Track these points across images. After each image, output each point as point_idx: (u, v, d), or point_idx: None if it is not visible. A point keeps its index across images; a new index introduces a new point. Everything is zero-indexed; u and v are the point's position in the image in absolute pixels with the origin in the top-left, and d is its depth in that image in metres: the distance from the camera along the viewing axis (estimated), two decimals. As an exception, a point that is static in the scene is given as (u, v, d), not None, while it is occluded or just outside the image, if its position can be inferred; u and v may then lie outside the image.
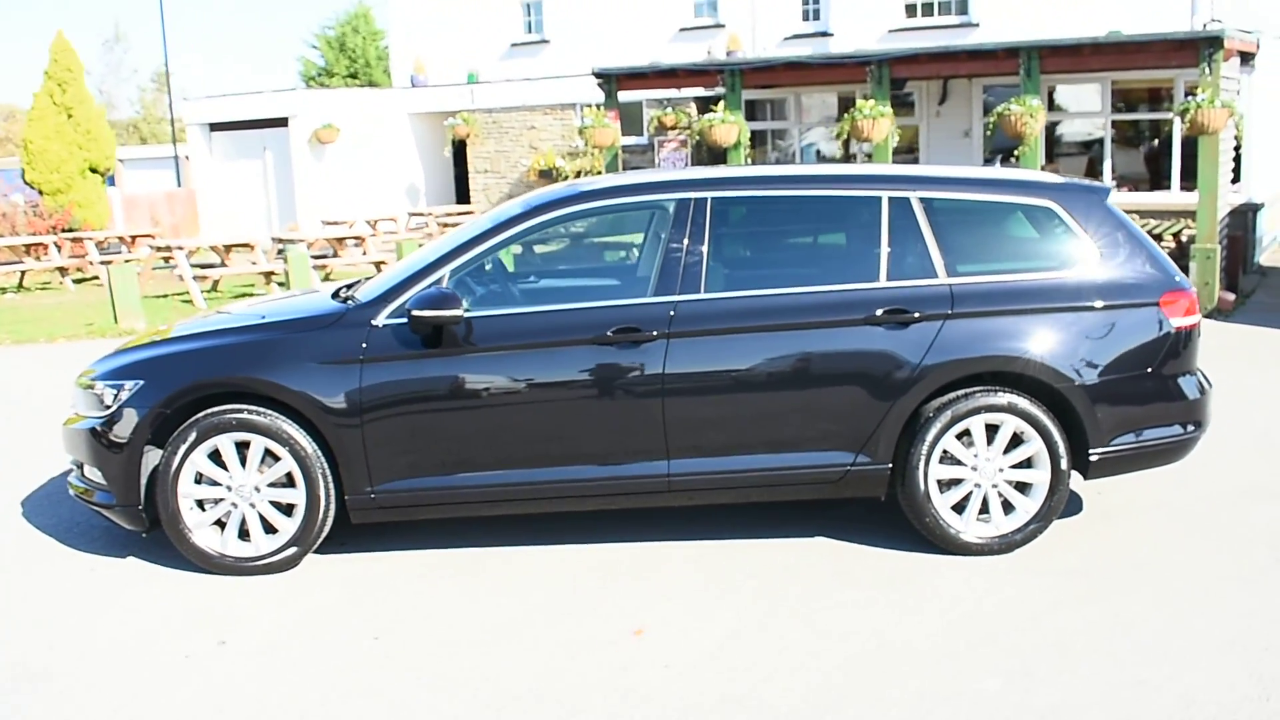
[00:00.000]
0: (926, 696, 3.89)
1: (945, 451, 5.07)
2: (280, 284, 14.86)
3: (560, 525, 5.52)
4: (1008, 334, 5.03)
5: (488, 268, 5.27)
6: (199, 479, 5.05)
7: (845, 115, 13.76)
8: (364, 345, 4.97)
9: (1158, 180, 15.72)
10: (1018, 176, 5.45)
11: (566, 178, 21.03)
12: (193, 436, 4.97)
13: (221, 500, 5.07)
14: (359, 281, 5.97)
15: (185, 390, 4.99)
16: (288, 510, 5.09)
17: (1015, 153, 13.24)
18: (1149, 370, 5.11)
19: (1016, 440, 5.09)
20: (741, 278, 5.07)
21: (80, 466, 5.35)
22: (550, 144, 21.39)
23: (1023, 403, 5.03)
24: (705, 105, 20.13)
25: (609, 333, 4.95)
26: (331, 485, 5.03)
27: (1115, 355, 5.07)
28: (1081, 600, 4.65)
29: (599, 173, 19.90)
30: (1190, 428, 5.23)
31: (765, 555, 5.21)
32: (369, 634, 4.49)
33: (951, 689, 3.94)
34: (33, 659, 4.35)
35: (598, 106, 15.93)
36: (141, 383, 5.04)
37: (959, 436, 5.07)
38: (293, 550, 5.08)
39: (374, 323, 5.02)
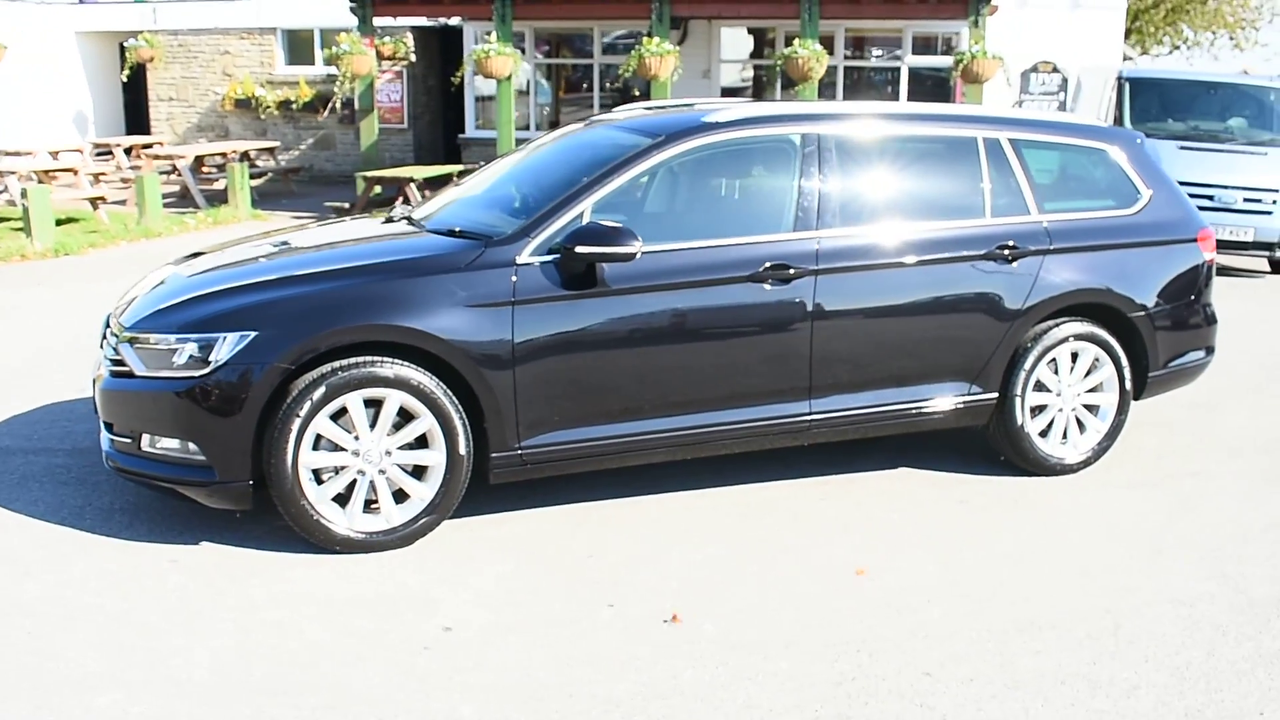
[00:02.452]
0: (1088, 573, 4.22)
1: (1038, 380, 5.39)
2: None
3: (646, 474, 5.30)
4: (1094, 268, 5.42)
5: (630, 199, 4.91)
6: (316, 444, 4.39)
7: (632, 52, 13.80)
8: (514, 286, 4.51)
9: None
10: (1078, 121, 5.83)
11: (267, 108, 19.52)
12: (319, 395, 4.30)
13: (345, 468, 4.43)
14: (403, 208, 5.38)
15: (316, 342, 4.29)
16: (417, 475, 4.54)
17: (794, 92, 13.89)
18: (1191, 300, 5.70)
19: (1092, 366, 5.52)
20: (867, 213, 5.07)
21: (138, 437, 4.45)
22: (248, 71, 19.69)
23: (1102, 332, 5.45)
24: (426, 36, 19.39)
25: (762, 269, 4.81)
26: (472, 444, 4.54)
27: (1170, 286, 5.61)
28: (1162, 505, 5.18)
29: (349, 104, 18.65)
30: (1209, 352, 5.88)
31: (878, 486, 5.33)
32: (597, 600, 4.14)
33: (1092, 566, 4.30)
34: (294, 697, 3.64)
35: (350, 32, 14.87)
36: (254, 334, 4.27)
37: (1048, 364, 5.41)
38: (427, 519, 4.54)
39: (518, 260, 4.55)
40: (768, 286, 4.83)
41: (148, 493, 5.03)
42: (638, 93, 17.25)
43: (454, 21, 18.28)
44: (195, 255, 5.50)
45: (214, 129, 19.94)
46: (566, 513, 4.95)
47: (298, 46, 19.81)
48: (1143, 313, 5.50)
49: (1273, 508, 5.18)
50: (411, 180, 13.45)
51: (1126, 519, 5.03)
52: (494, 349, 4.46)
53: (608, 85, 18.30)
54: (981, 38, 13.03)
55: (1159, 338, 5.58)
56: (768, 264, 4.82)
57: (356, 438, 4.41)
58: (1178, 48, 34.55)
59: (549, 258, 4.57)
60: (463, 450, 4.50)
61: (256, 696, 3.45)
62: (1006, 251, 5.23)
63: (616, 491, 5.16)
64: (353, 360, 4.35)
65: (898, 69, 17.09)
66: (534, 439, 4.61)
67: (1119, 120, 12.56)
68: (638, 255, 4.51)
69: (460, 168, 15.31)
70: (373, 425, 4.42)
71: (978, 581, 4.37)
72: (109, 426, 4.59)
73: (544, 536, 4.70)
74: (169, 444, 4.41)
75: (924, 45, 17.46)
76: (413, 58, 18.21)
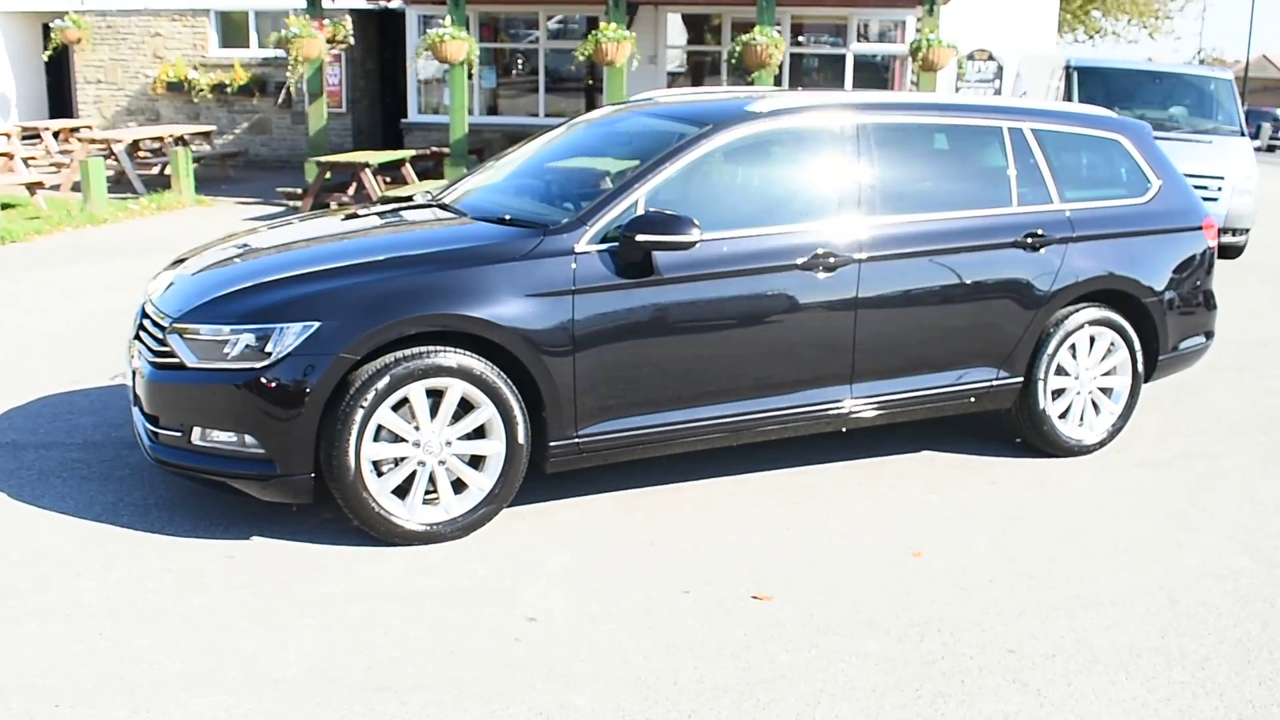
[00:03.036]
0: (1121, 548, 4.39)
1: (1059, 364, 5.54)
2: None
3: (681, 461, 5.32)
4: (1113, 255, 5.58)
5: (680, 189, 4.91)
6: (376, 435, 4.33)
7: (588, 37, 13.74)
8: (574, 274, 4.49)
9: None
10: (1093, 112, 5.97)
11: (200, 91, 19.03)
12: (383, 385, 4.24)
13: (405, 459, 4.38)
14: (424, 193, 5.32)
15: (384, 332, 4.23)
16: (474, 465, 4.51)
17: (749, 79, 13.97)
18: (1196, 285, 5.90)
19: (1108, 351, 5.68)
20: (903, 201, 5.15)
21: (188, 431, 4.35)
22: (180, 53, 19.15)
23: (1117, 317, 5.62)
24: (364, 19, 19.07)
25: (811, 257, 4.87)
26: (530, 433, 4.52)
27: (1179, 273, 5.79)
28: (1180, 484, 5.37)
29: (297, 87, 18.27)
30: (1209, 336, 6.10)
31: (906, 469, 5.43)
32: (671, 586, 4.16)
33: (1123, 542, 4.47)
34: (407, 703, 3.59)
35: (296, 13, 14.55)
36: (318, 324, 4.19)
37: (1068, 349, 5.56)
38: (486, 510, 4.51)
39: (577, 248, 4.54)
40: (816, 275, 4.89)
41: (179, 486, 4.93)
42: (592, 81, 17.20)
43: (394, 4, 17.99)
44: (213, 245, 5.37)
45: (144, 113, 19.38)
46: (614, 501, 4.95)
47: (232, 28, 19.32)
48: (1155, 298, 5.68)
49: (1284, 484, 5.42)
50: (367, 165, 13.24)
51: (1150, 498, 5.20)
52: (555, 337, 4.45)
53: (553, 70, 18.19)
54: (935, 26, 13.27)
55: (1169, 322, 5.76)
56: (816, 252, 4.88)
57: (417, 428, 4.36)
58: (1091, 36, 35.52)
59: (606, 246, 4.56)
60: (521, 439, 4.48)
61: (361, 694, 3.41)
62: (1034, 239, 5.36)
63: (655, 479, 5.18)
64: (416, 350, 4.30)
65: (843, 56, 17.28)
66: (591, 427, 4.61)
67: (1068, 108, 12.87)
68: (698, 243, 4.52)
69: (412, 152, 15.12)
70: (432, 415, 4.38)
71: (1031, 560, 4.49)
72: (153, 420, 4.47)
73: (598, 525, 4.71)
74: (222, 437, 4.31)
75: (866, 33, 17.68)
76: (351, 41, 17.88)
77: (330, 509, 4.62)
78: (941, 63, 13.04)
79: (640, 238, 4.48)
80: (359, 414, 4.23)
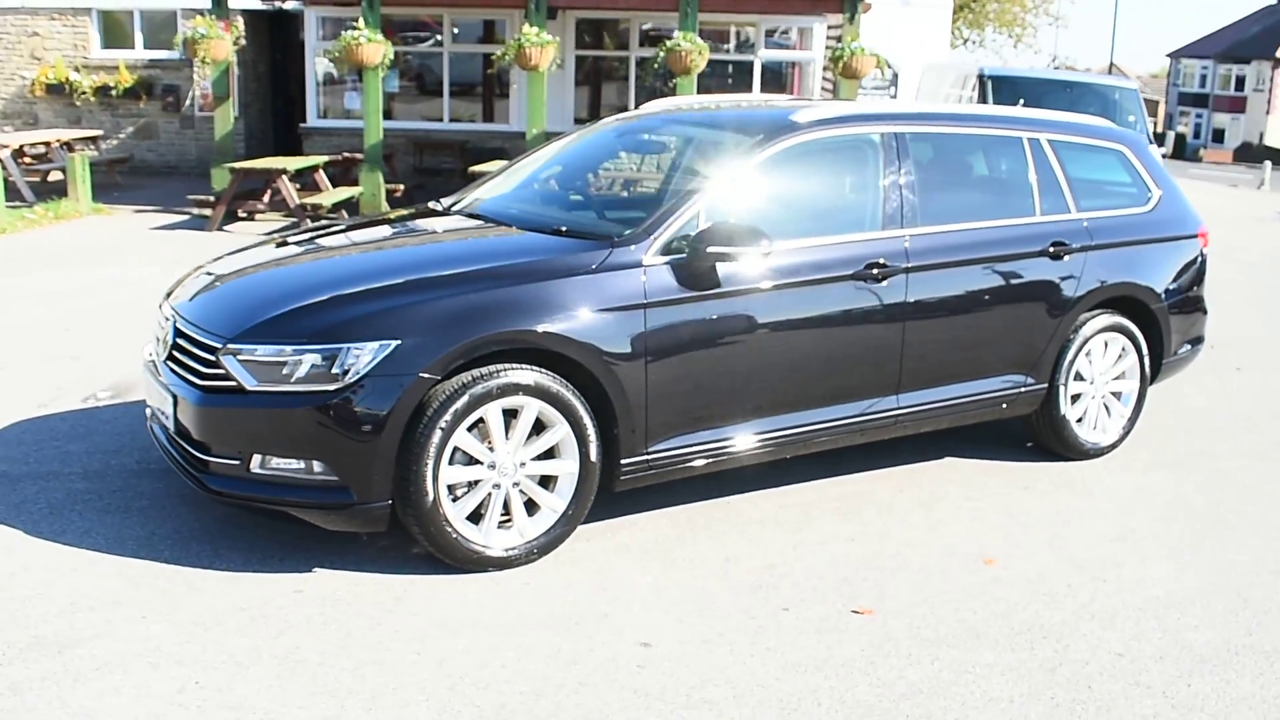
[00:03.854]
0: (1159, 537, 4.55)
1: (1077, 370, 5.68)
2: None
3: (721, 475, 5.24)
4: (1125, 263, 5.74)
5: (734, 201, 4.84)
6: (452, 458, 4.15)
7: (510, 41, 13.53)
8: (644, 287, 4.39)
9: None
10: (1097, 123, 6.13)
11: (83, 94, 18.10)
12: (461, 405, 4.06)
13: (479, 481, 4.21)
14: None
15: (463, 350, 4.05)
16: (544, 485, 4.36)
17: (673, 85, 13.95)
18: (1193, 291, 6.12)
19: (1119, 356, 5.85)
20: (940, 211, 5.19)
21: (247, 458, 4.09)
22: (59, 54, 18.16)
23: (1128, 323, 5.79)
24: (257, 19, 18.42)
25: (863, 267, 4.87)
26: (601, 451, 4.40)
27: (1180, 279, 6.00)
28: (1198, 483, 5.57)
29: (172, 90, 17.55)
30: (1201, 340, 6.33)
31: (939, 475, 5.49)
32: (769, 604, 4.10)
33: (1159, 529, 4.64)
34: None
35: (204, 14, 13.94)
36: (395, 342, 3.99)
37: (1085, 355, 5.70)
38: (559, 531, 4.37)
39: (645, 261, 4.44)
40: (870, 285, 4.89)
41: (208, 516, 4.65)
42: (515, 85, 16.93)
43: (289, 5, 17.43)
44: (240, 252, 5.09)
45: (21, 116, 18.30)
46: (669, 518, 4.86)
47: (115, 29, 18.40)
48: (1161, 304, 5.87)
49: (1291, 480, 5.67)
50: (284, 172, 12.76)
51: (1178, 497, 5.37)
52: (629, 353, 4.34)
53: (456, 75, 17.86)
54: (857, 34, 13.48)
55: (1173, 327, 5.96)
56: (868, 262, 4.88)
57: (491, 449, 4.20)
58: (959, 45, 36.79)
59: (671, 258, 4.48)
60: (594, 458, 4.36)
61: (506, 731, 3.26)
62: (1057, 248, 5.48)
63: (699, 495, 5.08)
64: (492, 368, 4.14)
65: (751, 63, 17.44)
66: (659, 444, 4.51)
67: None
68: (769, 254, 4.47)
69: (325, 158, 14.64)
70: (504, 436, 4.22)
71: (1095, 564, 4.57)
72: (202, 447, 4.19)
73: (666, 543, 4.61)
74: (286, 464, 4.07)
75: (775, 40, 17.90)
76: (243, 42, 17.23)
77: (387, 536, 4.42)
78: (864, 70, 13.27)
79: (712, 249, 4.41)
80: (436, 436, 4.04)
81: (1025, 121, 5.74)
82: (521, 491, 4.30)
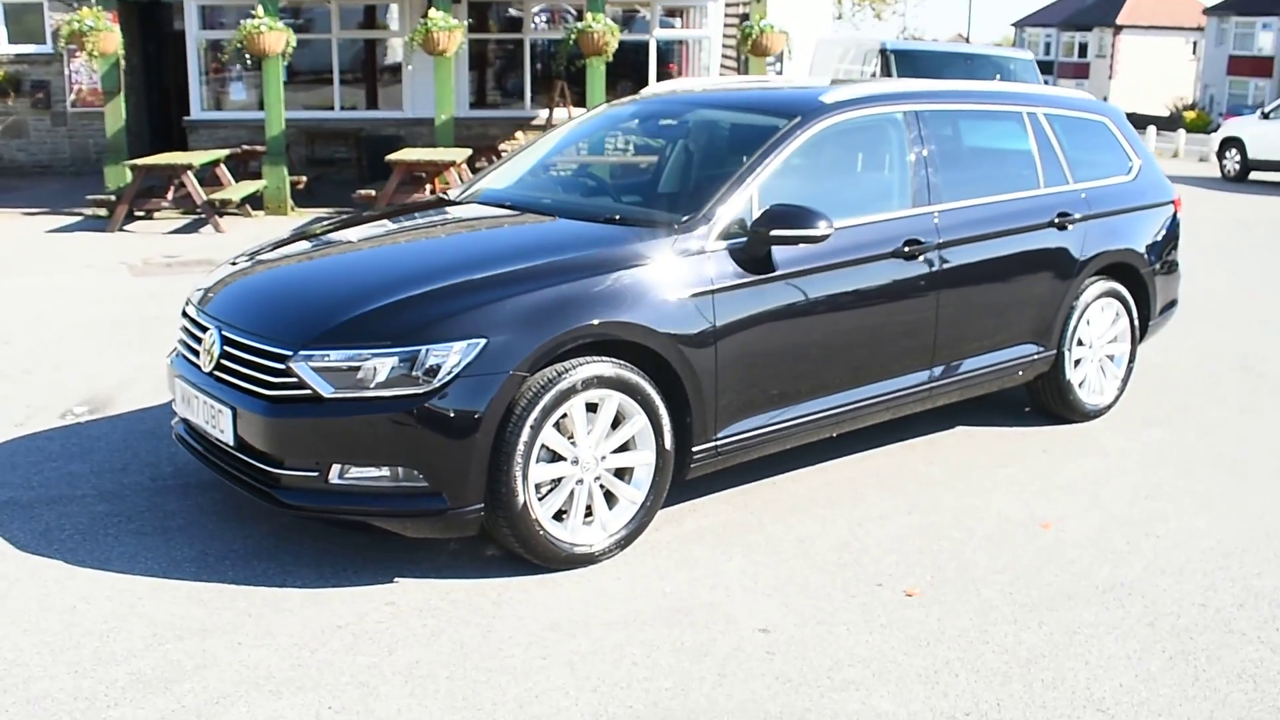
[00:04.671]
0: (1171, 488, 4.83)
1: (1079, 337, 5.89)
2: None
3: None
4: (1119, 231, 5.97)
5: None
6: (538, 456, 4.06)
7: (418, 25, 13.22)
8: (711, 273, 4.37)
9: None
10: (1081, 96, 6.33)
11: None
12: (548, 401, 3.98)
13: (562, 479, 4.14)
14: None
15: (551, 345, 3.97)
16: (619, 477, 4.31)
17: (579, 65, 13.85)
18: (1171, 256, 6.40)
19: (1113, 319, 6.08)
20: (961, 187, 5.29)
21: (326, 469, 3.93)
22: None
23: (1121, 288, 6.03)
24: (128, 10, 17.55)
25: (902, 244, 4.95)
26: (673, 440, 4.37)
27: (1162, 245, 6.27)
28: (1198, 438, 5.87)
29: (41, 86, 16.62)
30: (1176, 303, 6.62)
31: (958, 444, 5.63)
32: (861, 580, 4.14)
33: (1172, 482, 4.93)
34: None
35: (88, 4, 13.21)
36: (483, 340, 3.88)
37: (1085, 321, 5.91)
38: (638, 523, 4.33)
39: (707, 247, 4.42)
40: (907, 262, 4.97)
41: (257, 530, 4.48)
42: (411, 67, 16.50)
43: (166, -6, 16.68)
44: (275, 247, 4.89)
45: None
46: (725, 502, 4.86)
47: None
48: (1149, 269, 6.13)
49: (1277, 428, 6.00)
50: (189, 167, 12.23)
51: (1185, 452, 5.62)
52: (700, 340, 4.32)
53: (344, 62, 17.36)
54: (765, 12, 13.60)
55: (1157, 289, 6.23)
56: (906, 239, 4.96)
57: (573, 444, 4.13)
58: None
59: (730, 243, 4.47)
60: (669, 447, 4.33)
61: (669, 728, 3.22)
62: (1062, 218, 5.66)
63: (742, 478, 5.08)
64: (574, 362, 4.06)
65: (646, 42, 17.43)
66: (726, 429, 4.52)
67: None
68: (831, 235, 4.49)
69: (226, 152, 14.07)
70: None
71: (1142, 520, 4.77)
72: (272, 461, 4.00)
73: (735, 528, 4.61)
74: (367, 473, 3.93)
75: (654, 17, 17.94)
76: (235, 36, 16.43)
77: (455, 539, 4.31)
78: (775, 47, 13.43)
79: (775, 232, 4.41)
80: (525, 434, 3.96)
81: (1022, 96, 5.91)
82: (601, 485, 4.25)
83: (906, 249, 4.96)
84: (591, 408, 4.14)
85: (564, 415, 4.07)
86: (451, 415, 3.84)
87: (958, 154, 5.42)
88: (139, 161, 12.41)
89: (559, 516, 4.17)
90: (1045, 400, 5.98)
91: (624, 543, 4.30)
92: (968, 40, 56.13)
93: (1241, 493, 5.09)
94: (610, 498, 4.29)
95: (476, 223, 5.02)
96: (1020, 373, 5.64)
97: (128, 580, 4.09)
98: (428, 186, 12.99)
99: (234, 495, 4.83)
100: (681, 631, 3.77)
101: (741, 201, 4.55)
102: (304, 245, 4.95)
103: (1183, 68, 59.92)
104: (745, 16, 14.93)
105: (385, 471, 3.91)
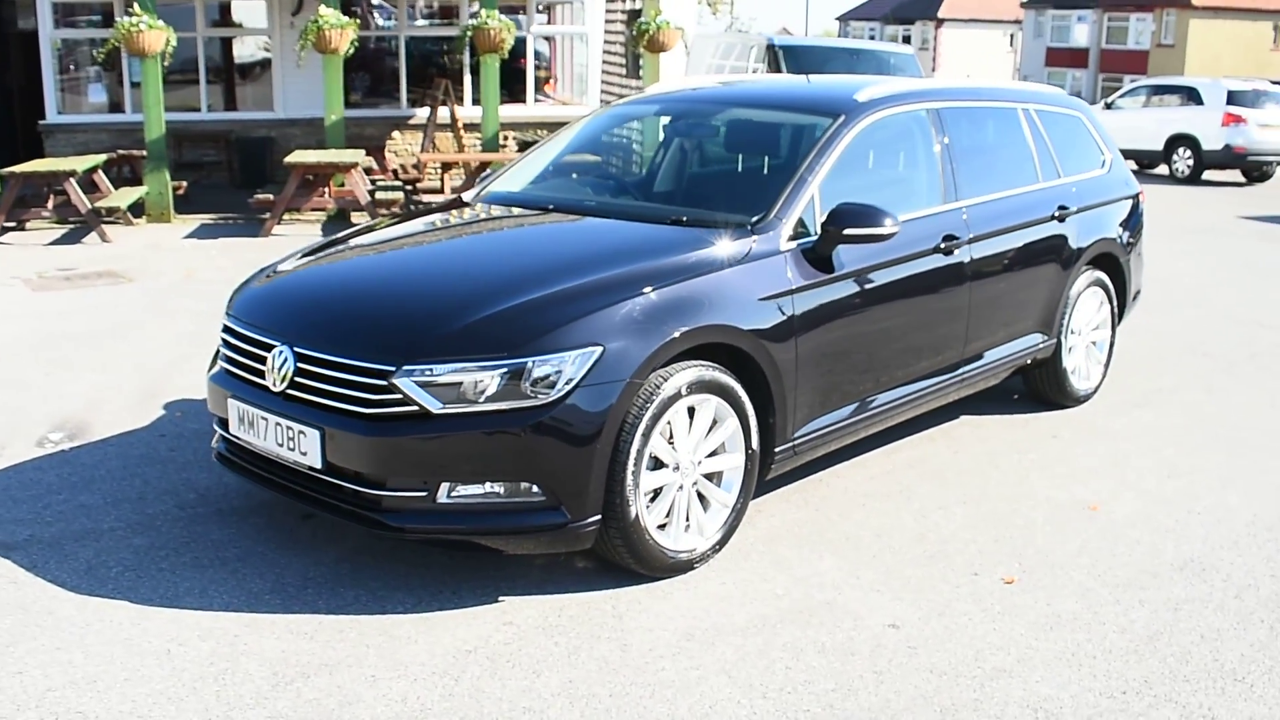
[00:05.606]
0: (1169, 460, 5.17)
1: (1071, 325, 6.15)
2: None
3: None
4: (1101, 223, 6.26)
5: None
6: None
7: (310, 24, 12.74)
8: (789, 274, 4.39)
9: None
10: (1058, 92, 6.58)
11: None
12: (655, 409, 3.92)
13: (664, 486, 4.09)
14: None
15: (662, 351, 3.91)
16: (710, 481, 4.29)
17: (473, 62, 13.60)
18: (1140, 246, 6.74)
19: (1099, 307, 6.37)
20: (979, 182, 5.44)
21: (434, 489, 3.77)
22: None
23: (1105, 277, 6.33)
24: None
25: (941, 239, 5.08)
26: (758, 440, 4.37)
27: (1133, 235, 6.61)
28: (1188, 416, 6.22)
29: None
30: (1140, 292, 6.98)
31: (971, 434, 5.81)
32: (957, 572, 4.23)
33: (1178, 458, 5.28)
34: None
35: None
36: (599, 349, 3.79)
37: (1077, 310, 6.17)
38: (730, 526, 4.31)
39: (782, 248, 4.43)
40: (947, 257, 5.10)
41: (330, 555, 4.27)
42: (278, 70, 15.88)
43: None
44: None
45: None
46: (783, 500, 4.89)
47: None
48: (1126, 258, 6.45)
49: (1260, 403, 6.39)
50: (73, 174, 11.47)
51: (1182, 432, 5.93)
52: (783, 341, 4.34)
53: (211, 61, 16.61)
54: (659, 9, 13.64)
55: (1131, 278, 6.56)
56: (944, 234, 5.09)
57: (674, 450, 4.09)
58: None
59: (799, 243, 4.50)
60: (755, 447, 4.33)
61: (854, 730, 3.23)
62: (1061, 211, 5.90)
63: (784, 477, 5.09)
64: (676, 367, 4.01)
65: (524, 39, 17.24)
66: (803, 428, 4.55)
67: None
68: (897, 232, 4.56)
69: (104, 157, 13.26)
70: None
71: (1178, 499, 5.02)
72: (373, 483, 3.82)
73: (809, 526, 4.65)
74: (475, 490, 3.79)
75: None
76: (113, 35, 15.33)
77: (539, 554, 4.21)
78: (671, 43, 13.47)
79: (847, 231, 4.46)
80: (636, 442, 3.89)
81: (1014, 93, 6.13)
82: (696, 490, 4.21)
83: (943, 244, 5.08)
84: (689, 412, 4.10)
85: (667, 422, 4.01)
86: (572, 426, 3.75)
87: (972, 150, 5.58)
88: (16, 169, 11.57)
89: (660, 525, 4.12)
90: (1041, 387, 6.21)
91: (719, 547, 4.28)
92: (790, 34, 57.59)
93: (1251, 469, 5.40)
94: (703, 502, 4.26)
95: (538, 228, 4.89)
96: (1029, 361, 5.86)
97: (212, 617, 3.84)
98: (324, 190, 12.55)
99: (277, 520, 4.60)
100: (816, 632, 3.78)
101: (804, 201, 4.58)
102: (353, 253, 4.74)
103: (1002, 59, 62.93)
104: (635, 13, 14.94)
105: (499, 488, 3.79)
